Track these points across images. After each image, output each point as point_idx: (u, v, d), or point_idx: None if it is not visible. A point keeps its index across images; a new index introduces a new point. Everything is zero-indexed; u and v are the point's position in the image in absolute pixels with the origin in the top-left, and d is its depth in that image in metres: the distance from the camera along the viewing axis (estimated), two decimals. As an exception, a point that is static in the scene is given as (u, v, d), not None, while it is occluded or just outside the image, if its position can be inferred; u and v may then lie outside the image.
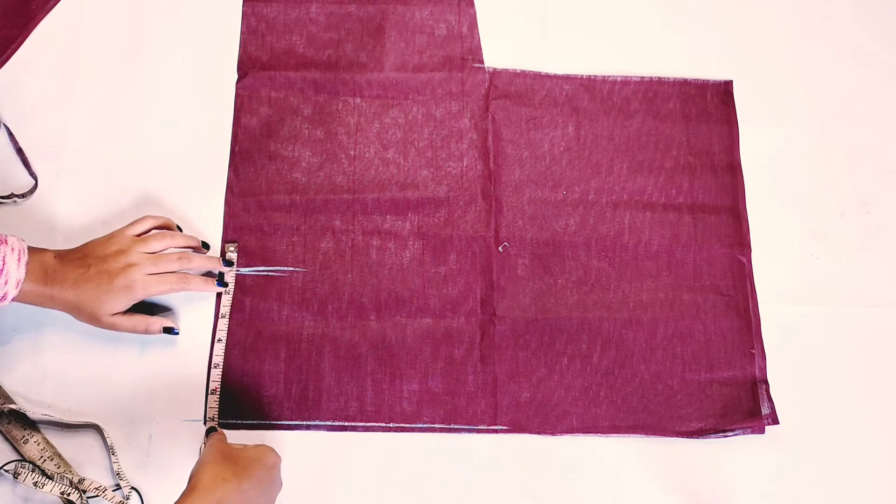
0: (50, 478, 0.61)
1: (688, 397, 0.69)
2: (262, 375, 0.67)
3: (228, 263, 0.69)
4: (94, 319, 0.62)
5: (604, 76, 0.79)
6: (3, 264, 0.58)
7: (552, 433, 0.67)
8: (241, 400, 0.67)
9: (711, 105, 0.78)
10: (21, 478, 0.61)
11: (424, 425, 0.67)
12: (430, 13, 0.80)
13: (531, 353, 0.69)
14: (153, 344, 0.67)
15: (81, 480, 0.62)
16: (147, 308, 0.67)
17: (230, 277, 0.69)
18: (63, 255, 0.62)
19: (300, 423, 0.66)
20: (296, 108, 0.76)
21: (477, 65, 0.78)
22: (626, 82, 0.78)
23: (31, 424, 0.64)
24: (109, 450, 0.63)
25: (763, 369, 0.70)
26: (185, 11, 0.78)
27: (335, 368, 0.68)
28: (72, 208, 0.71)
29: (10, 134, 0.73)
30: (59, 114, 0.74)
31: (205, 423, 0.65)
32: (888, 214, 0.76)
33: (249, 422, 0.66)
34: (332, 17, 0.79)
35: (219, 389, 0.66)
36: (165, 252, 0.65)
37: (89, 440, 0.64)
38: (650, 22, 0.81)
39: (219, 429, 0.64)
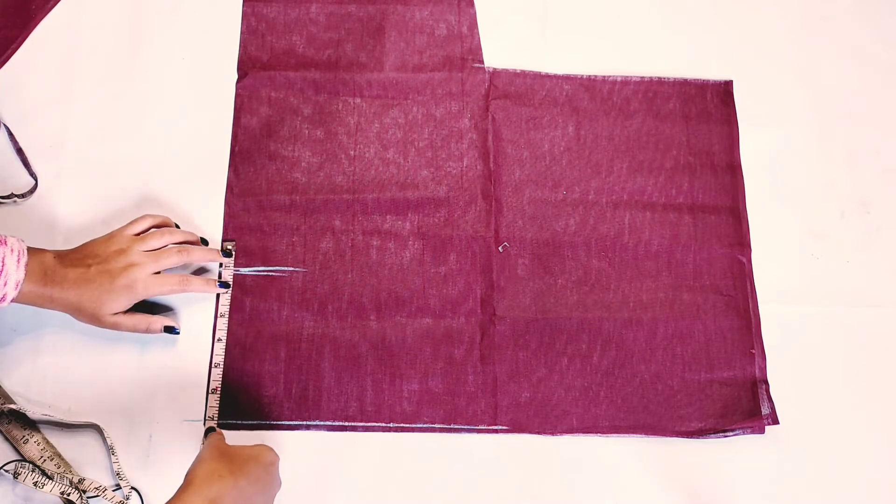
0: (50, 478, 0.61)
1: (688, 397, 0.69)
2: (262, 375, 0.67)
3: (227, 254, 0.69)
4: (95, 319, 0.62)
5: (604, 76, 0.79)
6: (3, 265, 0.58)
7: (552, 433, 0.67)
8: (241, 400, 0.67)
9: (711, 105, 0.78)
10: (21, 478, 0.61)
11: (424, 425, 0.67)
12: (430, 13, 0.80)
13: (531, 353, 0.69)
14: (153, 344, 0.67)
15: (81, 480, 0.62)
16: (147, 308, 0.67)
17: (229, 277, 0.69)
18: (62, 256, 0.62)
19: (300, 423, 0.66)
20: (296, 108, 0.76)
21: (477, 65, 0.78)
22: (626, 82, 0.78)
23: (31, 424, 0.64)
24: (109, 450, 0.63)
25: (763, 369, 0.70)
26: (185, 11, 0.78)
27: (335, 368, 0.68)
28: (72, 208, 0.71)
29: (10, 134, 0.73)
30: (59, 114, 0.74)
31: (204, 424, 0.65)
32: (888, 214, 0.76)
33: (249, 422, 0.66)
34: (332, 17, 0.79)
35: (219, 389, 0.66)
36: (165, 248, 0.65)
37: (89, 440, 0.64)
38: (650, 22, 0.81)
39: (217, 429, 0.64)
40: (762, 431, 0.68)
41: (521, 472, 0.66)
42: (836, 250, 0.74)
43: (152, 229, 0.67)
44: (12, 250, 0.59)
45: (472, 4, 0.80)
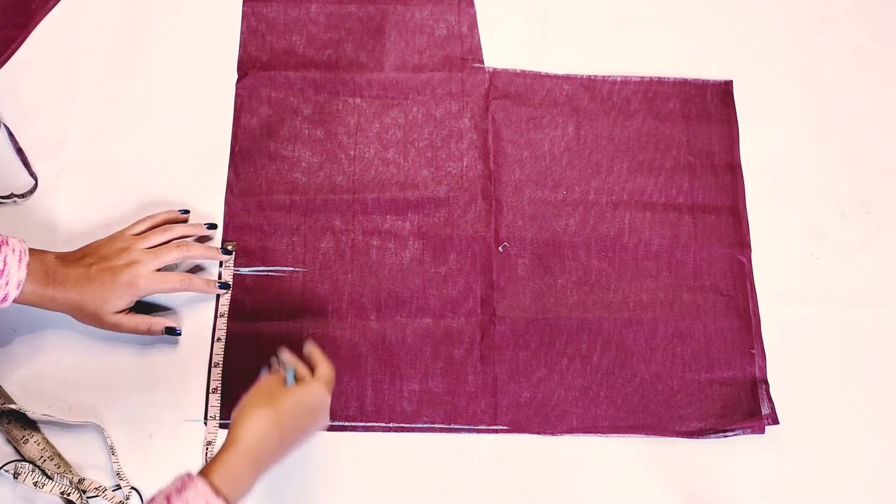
0: (50, 478, 0.61)
1: (688, 397, 0.69)
2: (263, 375, 0.67)
3: (227, 252, 0.69)
4: (96, 319, 0.62)
5: (604, 76, 0.79)
6: (4, 265, 0.58)
7: (552, 433, 0.67)
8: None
9: (711, 105, 0.78)
10: (21, 478, 0.61)
11: (424, 425, 0.67)
12: (430, 13, 0.80)
13: (531, 353, 0.69)
14: (153, 344, 0.67)
15: (81, 480, 0.62)
16: (147, 309, 0.67)
17: (229, 277, 0.69)
18: (64, 257, 0.63)
19: (300, 423, 0.66)
20: (296, 108, 0.76)
21: (477, 65, 0.78)
22: (626, 82, 0.78)
23: (31, 424, 0.64)
24: (109, 450, 0.63)
25: (763, 369, 0.70)
26: (185, 11, 0.78)
27: (335, 368, 0.68)
28: (72, 208, 0.71)
29: (10, 134, 0.73)
30: (59, 114, 0.74)
31: (205, 423, 0.65)
32: (888, 214, 0.76)
33: (249, 422, 0.66)
34: (332, 17, 0.79)
35: (220, 389, 0.66)
36: (164, 245, 0.65)
37: (89, 440, 0.64)
38: (650, 22, 0.81)
39: (283, 368, 0.59)
40: (762, 431, 0.68)
41: (521, 472, 0.66)
42: (836, 250, 0.74)
43: (160, 236, 0.67)
44: (14, 250, 0.59)
45: (472, 4, 0.80)
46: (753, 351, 0.70)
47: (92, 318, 0.62)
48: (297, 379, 0.57)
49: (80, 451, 0.64)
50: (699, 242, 0.74)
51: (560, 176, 0.75)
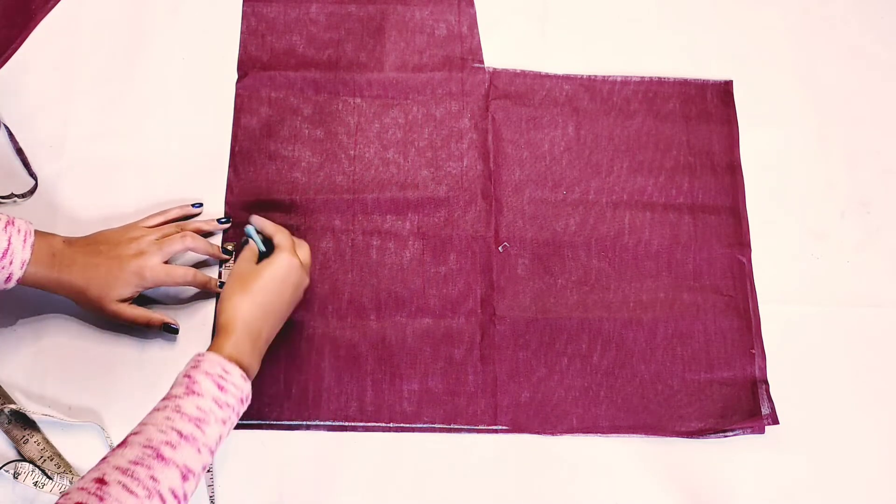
0: (50, 478, 0.61)
1: (688, 397, 0.69)
2: (262, 375, 0.67)
3: (227, 252, 0.70)
4: (98, 305, 0.62)
5: (604, 76, 0.79)
6: (9, 244, 0.58)
7: (552, 433, 0.67)
8: (241, 400, 0.66)
9: (711, 105, 0.78)
10: (21, 478, 0.61)
11: (424, 425, 0.67)
12: (430, 13, 0.80)
13: (531, 353, 0.69)
14: (153, 342, 0.67)
15: (81, 480, 0.62)
16: (147, 305, 0.67)
17: (227, 276, 0.69)
18: (72, 241, 0.63)
19: (300, 423, 0.66)
20: (296, 108, 0.76)
21: (477, 65, 0.78)
22: (626, 82, 0.78)
23: (31, 424, 0.64)
24: (109, 450, 0.63)
25: (763, 369, 0.70)
26: (185, 11, 0.78)
27: (335, 368, 0.68)
28: (71, 208, 0.71)
29: (10, 134, 0.73)
30: (59, 114, 0.74)
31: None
32: (888, 214, 0.76)
33: (249, 422, 0.66)
34: (332, 17, 0.79)
35: (219, 389, 0.66)
36: (170, 235, 0.66)
37: (89, 440, 0.64)
38: (650, 22, 0.81)
39: (245, 245, 0.65)
40: (762, 431, 0.68)
41: (521, 472, 0.66)
42: (836, 250, 0.74)
43: (170, 227, 0.67)
44: (19, 230, 0.59)
45: (472, 4, 0.80)
46: (753, 351, 0.70)
47: (94, 303, 0.62)
48: (267, 246, 0.63)
49: (80, 451, 0.64)
50: (699, 242, 0.74)
51: (560, 176, 0.75)
